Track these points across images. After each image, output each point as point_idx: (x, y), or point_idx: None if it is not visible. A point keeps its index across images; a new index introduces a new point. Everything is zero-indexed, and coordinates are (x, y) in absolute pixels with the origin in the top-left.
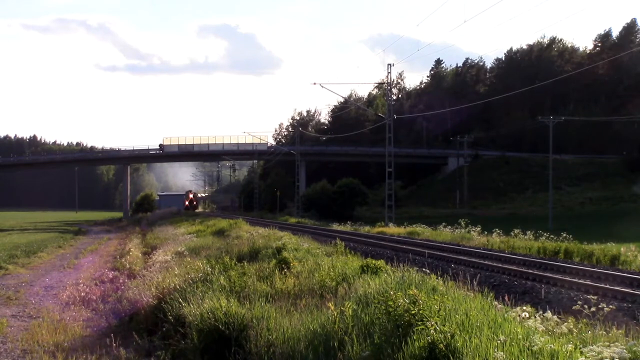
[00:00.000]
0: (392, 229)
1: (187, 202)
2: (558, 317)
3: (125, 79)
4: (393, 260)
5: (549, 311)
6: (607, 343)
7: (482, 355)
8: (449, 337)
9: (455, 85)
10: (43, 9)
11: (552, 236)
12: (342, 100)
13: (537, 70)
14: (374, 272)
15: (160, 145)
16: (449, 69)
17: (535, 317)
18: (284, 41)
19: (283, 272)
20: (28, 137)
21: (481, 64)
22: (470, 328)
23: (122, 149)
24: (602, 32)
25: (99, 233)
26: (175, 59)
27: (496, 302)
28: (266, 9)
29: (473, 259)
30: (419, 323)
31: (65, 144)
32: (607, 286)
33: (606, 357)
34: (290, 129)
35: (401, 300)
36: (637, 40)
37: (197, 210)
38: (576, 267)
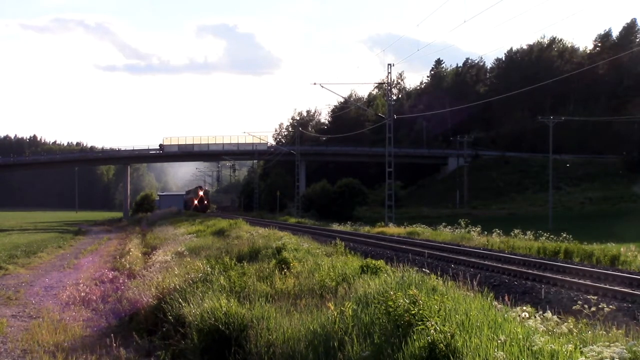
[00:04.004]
0: (392, 229)
1: (195, 201)
2: (558, 317)
3: (124, 79)
4: (393, 260)
5: (549, 311)
6: (607, 343)
7: (482, 355)
8: (449, 337)
9: (455, 85)
10: (41, 8)
11: (552, 236)
12: (342, 100)
13: (537, 70)
14: (374, 272)
15: (160, 145)
16: (449, 69)
17: (535, 317)
18: (283, 41)
19: (283, 272)
20: (28, 137)
21: (481, 64)
22: (470, 328)
23: (122, 149)
24: (602, 32)
25: (98, 233)
26: (175, 59)
27: (496, 302)
28: (265, 8)
29: (473, 259)
30: (419, 323)
31: (65, 144)
32: (607, 286)
33: (606, 357)
34: (290, 129)
35: (401, 301)
36: (637, 40)
37: (209, 211)
38: (576, 267)
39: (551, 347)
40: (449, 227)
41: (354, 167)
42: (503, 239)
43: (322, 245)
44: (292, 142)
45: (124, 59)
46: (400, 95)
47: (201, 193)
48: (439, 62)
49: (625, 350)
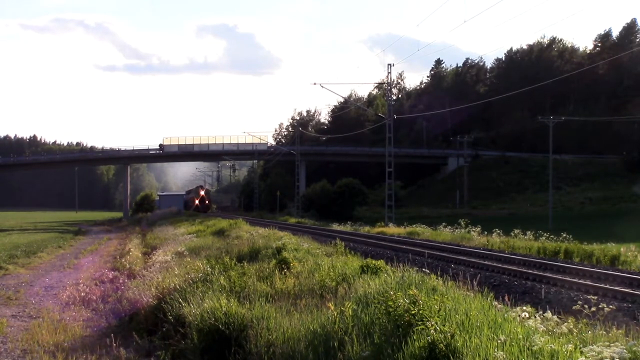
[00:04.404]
0: (392, 229)
1: (197, 201)
2: (558, 317)
3: (124, 79)
4: (393, 260)
5: (549, 311)
6: (607, 343)
7: (482, 355)
8: (449, 337)
9: (455, 85)
10: (41, 8)
11: (552, 236)
12: (342, 100)
13: (537, 70)
14: (374, 272)
15: (160, 145)
16: (449, 69)
17: (535, 317)
18: (283, 41)
19: (283, 272)
20: (28, 137)
21: (481, 64)
22: (470, 328)
23: (122, 149)
24: (602, 32)
25: (98, 233)
26: (174, 59)
27: (496, 302)
28: (265, 8)
29: (473, 259)
30: (419, 323)
31: (65, 144)
32: (607, 286)
33: (606, 357)
34: (290, 129)
35: (401, 301)
36: (637, 40)
37: (210, 211)
38: (576, 267)
39: (551, 347)
40: (449, 227)
41: (354, 167)
42: (503, 239)
43: (322, 245)
44: (292, 142)
45: (124, 59)
46: (400, 95)
47: (202, 193)
48: (439, 62)
49: (625, 350)
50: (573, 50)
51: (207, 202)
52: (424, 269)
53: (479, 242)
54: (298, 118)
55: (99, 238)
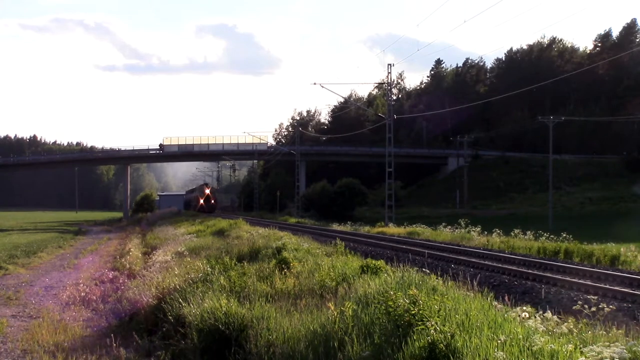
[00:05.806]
0: (392, 229)
1: (201, 200)
2: (558, 317)
3: (124, 79)
4: (393, 260)
5: (549, 311)
6: (607, 343)
7: (482, 355)
8: (449, 337)
9: (455, 85)
10: (40, 8)
11: (552, 236)
12: (342, 100)
13: (537, 70)
14: (374, 272)
15: (160, 145)
16: (449, 69)
17: (535, 317)
18: (282, 41)
19: (283, 272)
20: (28, 137)
21: (481, 64)
22: (470, 328)
23: (122, 149)
24: (602, 32)
25: (99, 233)
26: (174, 59)
27: (496, 302)
28: (264, 8)
29: (473, 259)
30: (419, 323)
31: (65, 144)
32: (607, 286)
33: (606, 357)
34: (290, 129)
35: (401, 301)
36: (637, 40)
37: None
38: (576, 267)
39: (551, 347)
40: (449, 227)
41: (354, 167)
42: (503, 239)
43: (322, 245)
44: (292, 142)
45: (123, 59)
46: (400, 95)
47: (207, 191)
48: (439, 62)
49: (625, 350)
50: (573, 50)
51: (212, 201)
52: (424, 269)
53: (479, 242)
54: (298, 118)
55: (99, 238)
